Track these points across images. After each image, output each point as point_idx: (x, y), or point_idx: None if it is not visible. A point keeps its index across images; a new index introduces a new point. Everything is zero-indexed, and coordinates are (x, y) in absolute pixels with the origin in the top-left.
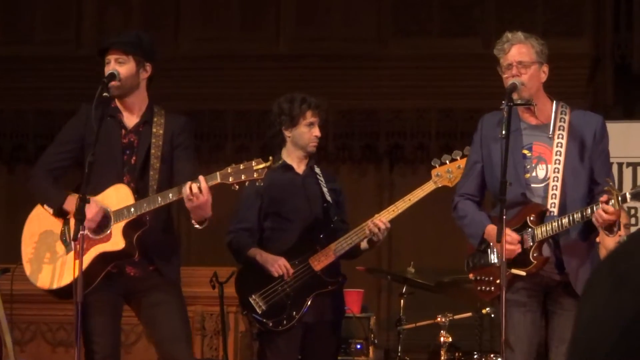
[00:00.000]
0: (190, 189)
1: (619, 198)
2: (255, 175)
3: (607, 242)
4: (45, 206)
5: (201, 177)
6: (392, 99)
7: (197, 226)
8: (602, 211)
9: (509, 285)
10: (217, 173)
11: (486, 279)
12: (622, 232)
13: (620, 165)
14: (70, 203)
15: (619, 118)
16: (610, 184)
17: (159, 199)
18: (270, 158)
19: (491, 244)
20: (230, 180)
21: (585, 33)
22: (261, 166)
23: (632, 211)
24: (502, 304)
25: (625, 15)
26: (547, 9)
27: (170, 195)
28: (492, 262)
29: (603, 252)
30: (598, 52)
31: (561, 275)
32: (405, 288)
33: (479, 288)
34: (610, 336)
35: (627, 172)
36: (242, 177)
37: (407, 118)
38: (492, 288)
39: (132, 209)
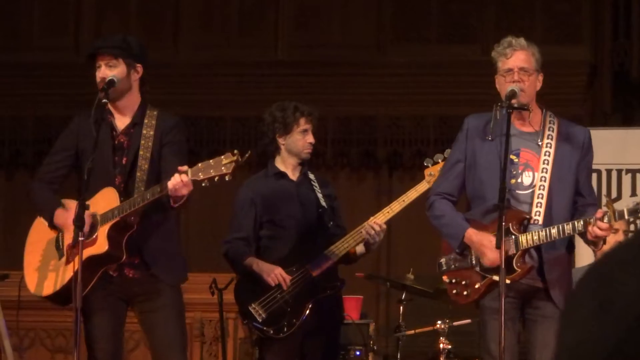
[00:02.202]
0: (176, 180)
1: (616, 214)
2: (223, 170)
3: (606, 249)
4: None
5: (183, 174)
6: (390, 105)
7: (172, 203)
8: (597, 228)
9: (487, 291)
10: (189, 170)
11: (463, 282)
12: (621, 238)
13: (619, 172)
14: (59, 217)
15: (617, 125)
16: (609, 199)
17: (139, 200)
18: (236, 152)
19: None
20: (201, 176)
21: (584, 40)
22: (229, 160)
23: (631, 218)
24: (501, 313)
25: (624, 23)
26: (545, 16)
27: (149, 195)
28: (471, 265)
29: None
30: (596, 59)
31: (543, 282)
32: (404, 294)
33: (454, 291)
34: None
35: (626, 179)
36: (212, 172)
37: (405, 125)
38: (468, 292)
39: (115, 211)
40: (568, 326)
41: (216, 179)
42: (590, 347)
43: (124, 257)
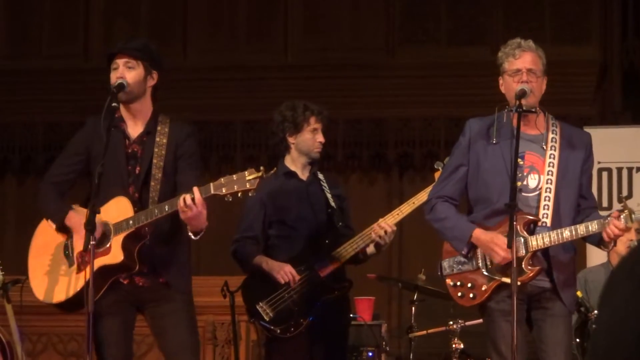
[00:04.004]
0: (184, 200)
1: (632, 216)
2: (247, 186)
3: (618, 247)
4: (49, 221)
5: (195, 189)
6: (400, 107)
7: (192, 236)
8: (614, 227)
9: (493, 294)
10: (211, 184)
11: (468, 284)
12: (633, 236)
13: (630, 170)
14: (71, 219)
15: (627, 123)
16: (624, 200)
17: (156, 211)
18: (262, 168)
19: (477, 250)
20: (224, 191)
21: (593, 40)
22: (253, 176)
23: None
24: (514, 313)
25: (633, 22)
26: (554, 17)
27: (167, 207)
28: (477, 268)
29: (614, 257)
30: (606, 58)
31: (551, 283)
32: (416, 295)
33: (458, 294)
34: (629, 339)
35: (637, 177)
36: (235, 188)
37: (415, 127)
38: (474, 295)
39: (131, 222)
40: (605, 306)
41: (240, 194)
42: (626, 325)
43: (137, 267)
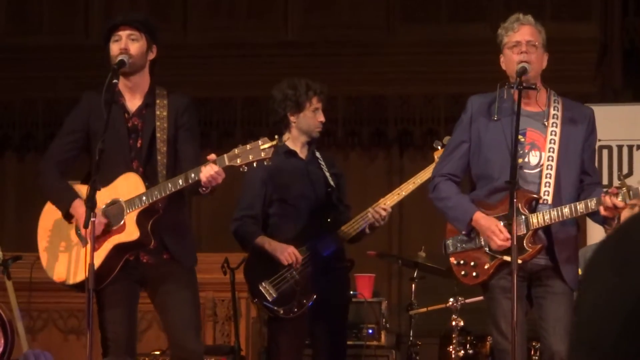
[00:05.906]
0: (209, 173)
1: (630, 192)
2: (262, 155)
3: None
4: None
5: (213, 164)
6: (400, 85)
7: (205, 192)
8: (608, 199)
9: (496, 272)
10: (225, 156)
11: (471, 263)
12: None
13: (630, 147)
14: (76, 207)
15: (628, 101)
16: (622, 177)
17: (169, 186)
18: (276, 137)
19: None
20: (239, 162)
21: (594, 17)
22: (267, 145)
23: None
24: (514, 291)
25: (634, 0)
26: None
27: (180, 181)
28: (480, 246)
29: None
30: (606, 36)
31: (552, 261)
32: (417, 272)
33: (462, 273)
34: (615, 321)
35: (638, 155)
36: (250, 158)
37: (415, 104)
38: (477, 273)
39: (144, 198)
40: (588, 287)
41: (255, 164)
42: (611, 306)
43: (152, 242)
